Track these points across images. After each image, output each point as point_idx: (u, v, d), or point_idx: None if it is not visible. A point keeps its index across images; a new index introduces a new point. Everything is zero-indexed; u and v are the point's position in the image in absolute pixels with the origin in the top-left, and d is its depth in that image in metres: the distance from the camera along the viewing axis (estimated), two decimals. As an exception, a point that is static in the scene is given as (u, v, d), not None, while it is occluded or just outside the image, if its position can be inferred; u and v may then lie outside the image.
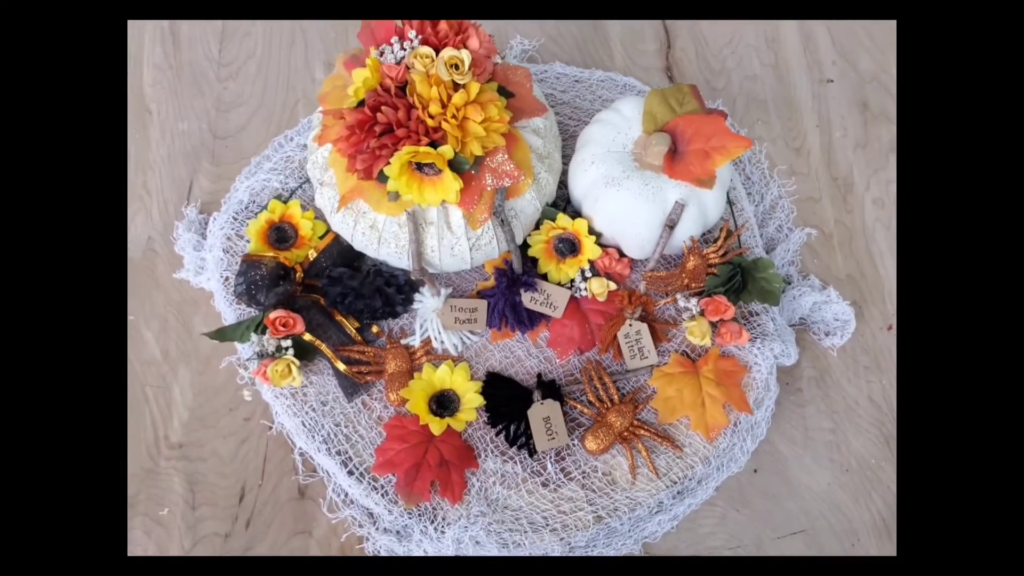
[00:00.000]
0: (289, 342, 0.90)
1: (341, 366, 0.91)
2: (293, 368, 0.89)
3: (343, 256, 0.95)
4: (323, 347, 0.91)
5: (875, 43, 1.17)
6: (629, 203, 0.88)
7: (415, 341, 0.94)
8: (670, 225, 0.89)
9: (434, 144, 0.80)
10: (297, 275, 0.93)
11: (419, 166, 0.81)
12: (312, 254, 0.95)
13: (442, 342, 0.94)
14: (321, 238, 0.96)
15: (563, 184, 0.98)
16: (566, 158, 0.99)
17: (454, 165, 0.81)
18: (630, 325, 0.92)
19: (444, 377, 0.91)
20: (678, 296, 0.94)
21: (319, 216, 0.97)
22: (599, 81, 1.10)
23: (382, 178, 0.82)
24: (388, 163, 0.79)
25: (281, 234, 0.95)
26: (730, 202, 1.01)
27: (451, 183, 0.81)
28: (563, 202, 0.98)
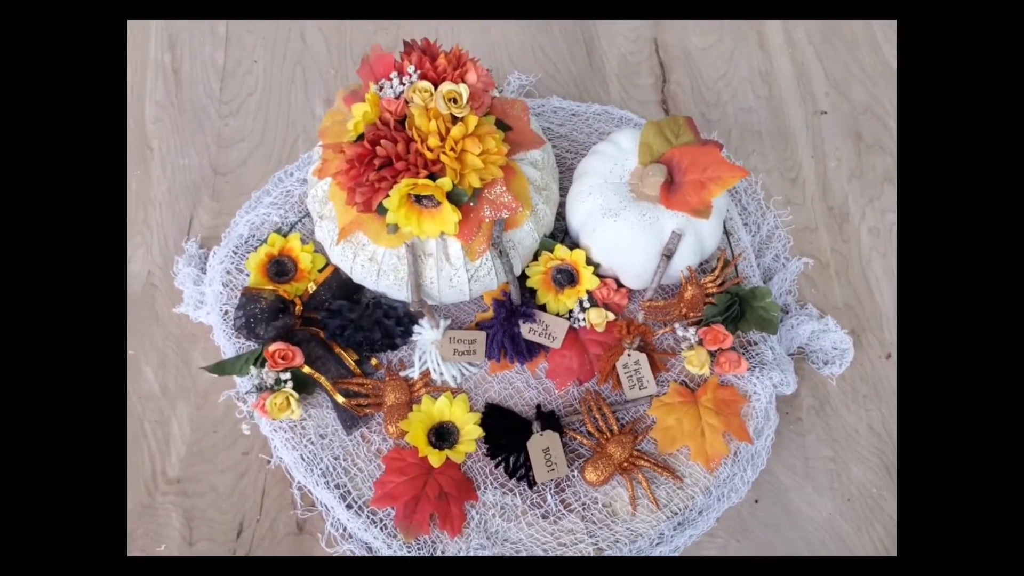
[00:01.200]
0: (288, 375, 0.90)
1: (340, 399, 0.91)
2: (292, 401, 0.88)
3: (342, 289, 0.96)
4: (322, 380, 0.91)
5: (867, 75, 1.19)
6: (626, 233, 0.89)
7: (414, 373, 0.94)
8: (667, 255, 0.89)
9: (433, 176, 0.81)
10: (296, 308, 0.93)
11: (418, 198, 0.82)
12: (311, 287, 0.95)
13: (441, 374, 0.94)
14: (320, 271, 0.96)
15: (561, 216, 0.98)
16: (563, 190, 1.00)
17: (452, 197, 0.82)
18: (629, 355, 0.92)
19: (443, 409, 0.90)
20: (676, 326, 0.95)
21: (319, 249, 0.97)
22: (596, 114, 1.11)
23: (381, 210, 0.82)
24: (387, 195, 0.80)
25: (280, 267, 0.96)
26: (727, 232, 1.01)
27: (450, 215, 0.81)
28: (561, 233, 0.99)
